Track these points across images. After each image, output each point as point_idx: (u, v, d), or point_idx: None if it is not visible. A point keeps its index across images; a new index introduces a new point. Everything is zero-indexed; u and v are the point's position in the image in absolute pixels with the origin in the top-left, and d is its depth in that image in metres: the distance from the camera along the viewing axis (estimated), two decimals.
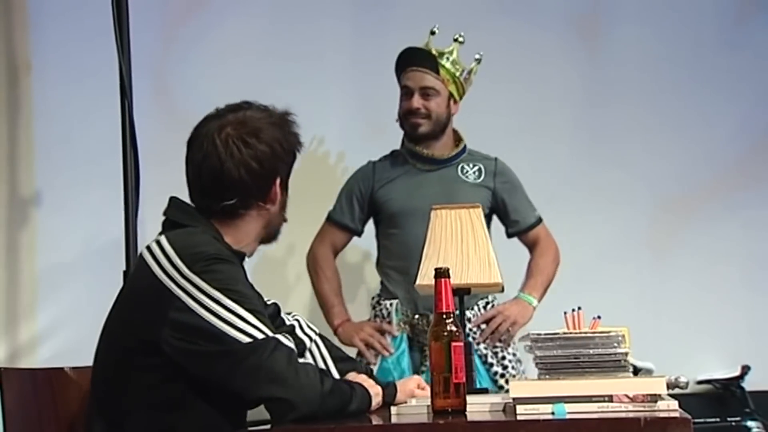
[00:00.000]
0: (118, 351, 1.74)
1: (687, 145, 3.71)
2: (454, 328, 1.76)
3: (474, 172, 3.02)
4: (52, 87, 3.48)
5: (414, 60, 2.97)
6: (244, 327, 1.64)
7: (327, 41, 3.63)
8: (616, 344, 1.75)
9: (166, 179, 3.42)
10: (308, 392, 1.62)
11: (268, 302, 1.98)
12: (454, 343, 1.74)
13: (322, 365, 1.97)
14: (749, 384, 3.51)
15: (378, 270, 3.08)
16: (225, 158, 1.76)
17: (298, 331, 1.99)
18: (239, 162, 1.76)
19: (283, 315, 2.00)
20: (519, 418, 1.61)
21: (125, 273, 2.59)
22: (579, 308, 1.91)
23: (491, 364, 2.90)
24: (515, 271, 3.20)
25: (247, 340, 1.62)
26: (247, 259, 1.85)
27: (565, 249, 3.24)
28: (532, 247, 3.08)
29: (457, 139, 3.07)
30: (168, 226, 1.82)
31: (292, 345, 1.66)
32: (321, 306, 3.07)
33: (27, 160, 3.47)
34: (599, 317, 1.89)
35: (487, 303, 2.98)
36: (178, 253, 1.69)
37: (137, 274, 1.77)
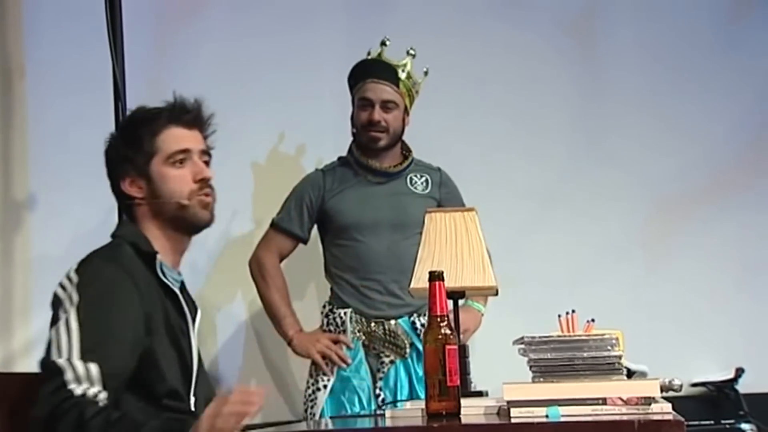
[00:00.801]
0: None
1: (682, 145, 3.71)
2: (448, 331, 1.76)
3: (421, 183, 3.04)
4: (46, 91, 3.47)
5: (374, 72, 2.96)
6: (62, 339, 1.67)
7: (321, 51, 3.63)
8: (609, 347, 1.75)
9: None
10: (37, 424, 1.62)
11: None
12: (448, 346, 1.75)
13: None
14: (743, 386, 3.52)
15: (327, 278, 3.06)
16: None
17: None
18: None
19: None
20: (513, 421, 1.61)
21: None
22: (573, 311, 1.91)
23: None
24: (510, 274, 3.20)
25: (49, 356, 1.66)
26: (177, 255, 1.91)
27: (560, 250, 3.25)
28: None
29: (406, 150, 3.08)
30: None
31: (69, 372, 1.63)
32: (270, 316, 3.04)
33: (21, 164, 3.46)
34: (593, 320, 1.89)
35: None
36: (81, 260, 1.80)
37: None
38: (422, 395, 2.74)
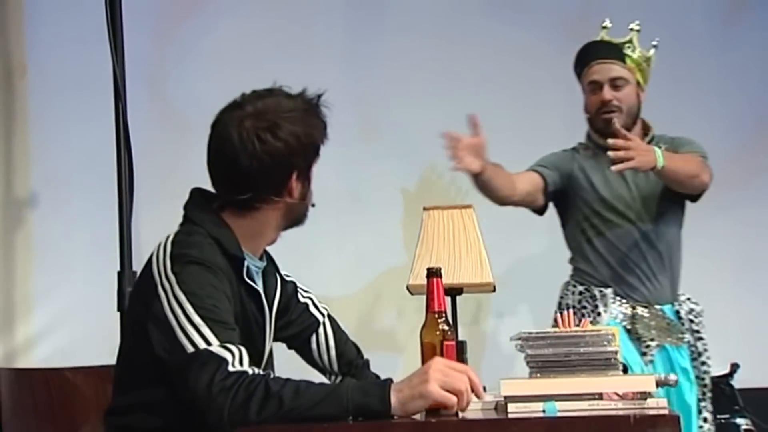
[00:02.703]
0: (128, 337, 1.79)
1: None
2: (446, 327, 1.77)
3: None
4: (47, 89, 3.49)
5: (598, 53, 2.88)
6: (192, 334, 1.62)
7: (321, 46, 3.65)
8: (606, 343, 1.76)
9: (160, 181, 3.46)
10: (218, 412, 1.55)
11: (287, 277, 2.00)
12: (446, 342, 1.76)
13: (324, 347, 2.01)
14: (738, 381, 3.54)
15: (577, 256, 2.93)
16: (239, 152, 1.74)
17: (311, 308, 2.04)
18: (252, 156, 1.74)
19: (299, 293, 2.03)
20: (510, 416, 1.63)
21: (119, 274, 2.61)
22: (569, 307, 1.93)
23: (703, 362, 2.84)
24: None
25: (191, 349, 1.61)
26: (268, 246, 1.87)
27: (556, 248, 3.26)
28: None
29: (645, 127, 2.96)
30: (184, 221, 1.82)
31: (228, 355, 1.59)
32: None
33: (22, 162, 3.48)
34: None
35: (688, 298, 2.93)
36: (172, 252, 1.71)
37: (147, 263, 1.77)
38: (682, 384, 2.74)
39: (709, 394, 2.82)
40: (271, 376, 1.61)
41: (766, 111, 3.78)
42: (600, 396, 1.65)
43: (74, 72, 3.45)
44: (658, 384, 1.74)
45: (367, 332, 3.56)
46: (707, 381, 2.82)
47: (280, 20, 3.65)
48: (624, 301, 2.81)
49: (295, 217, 1.85)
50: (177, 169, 3.45)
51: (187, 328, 1.62)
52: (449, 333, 1.77)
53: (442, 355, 1.74)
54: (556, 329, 1.87)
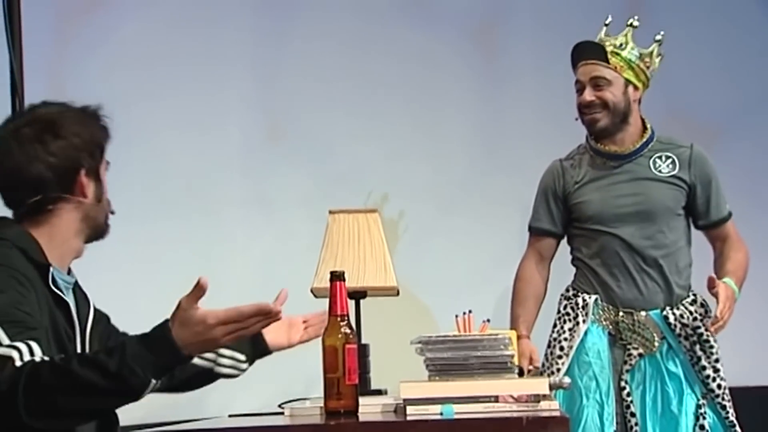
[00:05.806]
0: None
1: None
2: (348, 331, 1.79)
3: (667, 165, 2.87)
4: None
5: (582, 54, 2.87)
6: None
7: (227, 47, 3.62)
8: (503, 347, 1.81)
9: None
10: (14, 408, 1.54)
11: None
12: (347, 345, 1.78)
13: None
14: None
15: (575, 262, 2.94)
16: (21, 158, 1.75)
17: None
18: (36, 160, 1.75)
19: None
20: (409, 418, 1.65)
21: None
22: (470, 311, 1.97)
23: (703, 367, 2.77)
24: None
25: None
26: (74, 259, 1.83)
27: (459, 253, 3.32)
28: (722, 242, 2.89)
29: (644, 127, 2.92)
30: None
31: (14, 353, 1.58)
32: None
33: None
34: (488, 321, 1.96)
35: (694, 301, 2.85)
36: None
37: None
38: (671, 393, 2.72)
39: (719, 400, 2.74)
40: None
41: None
42: (496, 399, 1.69)
43: None
44: (552, 387, 1.79)
45: None
46: (712, 386, 2.74)
47: (186, 21, 3.60)
48: (610, 306, 2.82)
49: (95, 224, 1.82)
50: None
51: None
52: (351, 336, 1.79)
53: (344, 357, 1.76)
54: (456, 333, 1.91)
